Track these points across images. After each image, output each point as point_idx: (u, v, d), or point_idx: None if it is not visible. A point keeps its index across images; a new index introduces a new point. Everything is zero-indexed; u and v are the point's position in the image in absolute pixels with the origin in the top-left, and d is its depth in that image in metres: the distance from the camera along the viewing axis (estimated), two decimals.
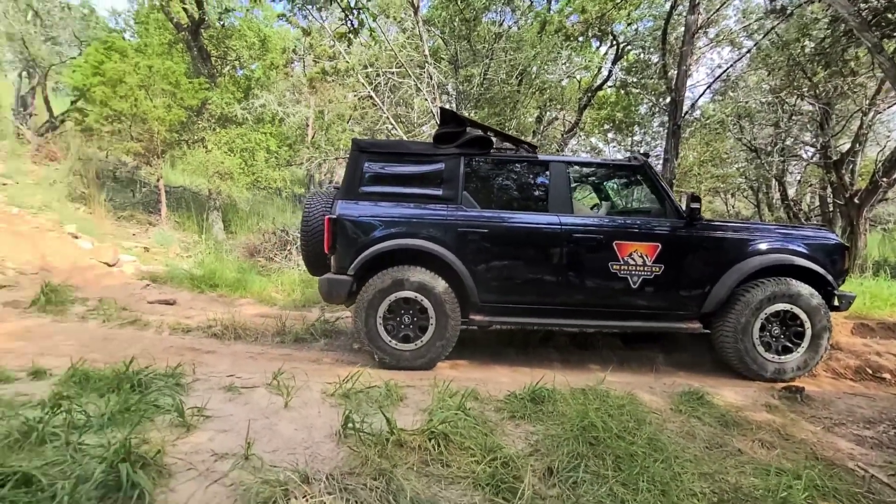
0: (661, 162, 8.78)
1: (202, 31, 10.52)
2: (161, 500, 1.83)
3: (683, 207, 3.93)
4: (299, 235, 4.82)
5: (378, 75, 7.17)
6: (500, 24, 8.52)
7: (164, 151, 10.59)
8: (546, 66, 8.50)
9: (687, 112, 8.66)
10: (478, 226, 3.87)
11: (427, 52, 6.91)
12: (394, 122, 7.33)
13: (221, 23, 10.72)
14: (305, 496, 1.83)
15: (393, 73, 7.13)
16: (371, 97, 7.42)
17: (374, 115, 9.37)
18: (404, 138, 7.33)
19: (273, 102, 11.30)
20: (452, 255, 3.80)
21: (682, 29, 7.79)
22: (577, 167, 4.83)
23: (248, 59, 11.15)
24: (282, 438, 2.42)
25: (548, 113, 11.11)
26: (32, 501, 1.56)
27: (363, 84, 7.09)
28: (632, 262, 3.84)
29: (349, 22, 4.47)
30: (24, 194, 9.27)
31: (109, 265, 7.55)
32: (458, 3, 7.33)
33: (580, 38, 9.33)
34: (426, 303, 3.79)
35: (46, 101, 12.98)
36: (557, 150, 11.21)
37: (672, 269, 3.87)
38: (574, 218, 3.94)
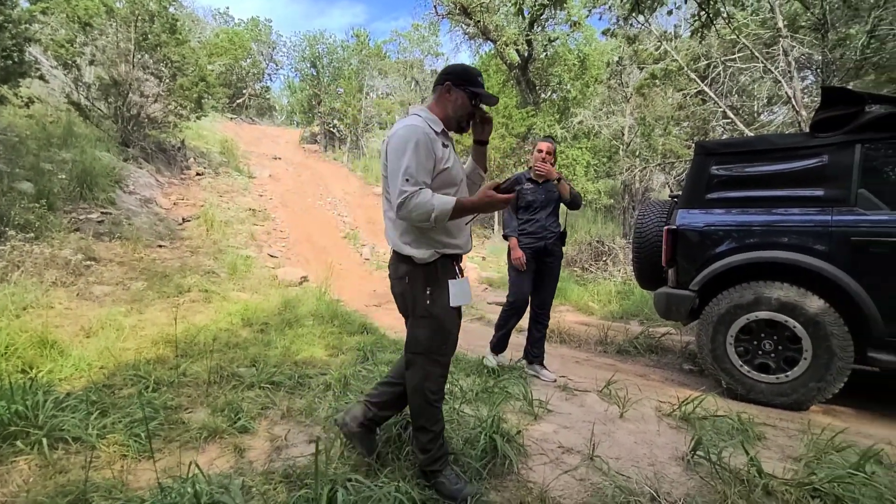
0: None
1: (529, 65, 11.87)
2: (523, 475, 2.08)
3: None
4: (631, 247, 4.70)
5: (713, 67, 6.32)
6: None
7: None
8: None
9: None
10: (888, 233, 2.87)
11: (781, 24, 5.66)
12: (731, 116, 6.32)
13: (546, 53, 11.83)
14: None
15: (734, 59, 6.14)
16: (701, 92, 6.61)
17: (701, 113, 8.40)
18: (746, 132, 6.23)
19: (589, 117, 11.67)
20: (842, 273, 2.95)
21: None
22: None
23: (568, 81, 11.89)
24: (622, 448, 2.39)
25: None
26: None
27: (694, 80, 6.39)
28: None
29: (703, 15, 4.09)
30: None
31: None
32: None
33: None
34: (800, 331, 3.06)
35: None
36: None
37: None
38: None
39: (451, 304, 1.77)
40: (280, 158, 14.77)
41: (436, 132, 1.76)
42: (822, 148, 3.12)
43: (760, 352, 3.24)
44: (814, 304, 3.03)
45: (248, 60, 22.86)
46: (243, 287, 5.96)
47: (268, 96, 25.75)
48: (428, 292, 1.76)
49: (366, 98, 17.75)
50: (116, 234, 6.02)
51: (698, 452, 2.20)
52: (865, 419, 3.09)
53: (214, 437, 2.29)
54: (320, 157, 16.63)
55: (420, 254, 1.75)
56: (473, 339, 5.05)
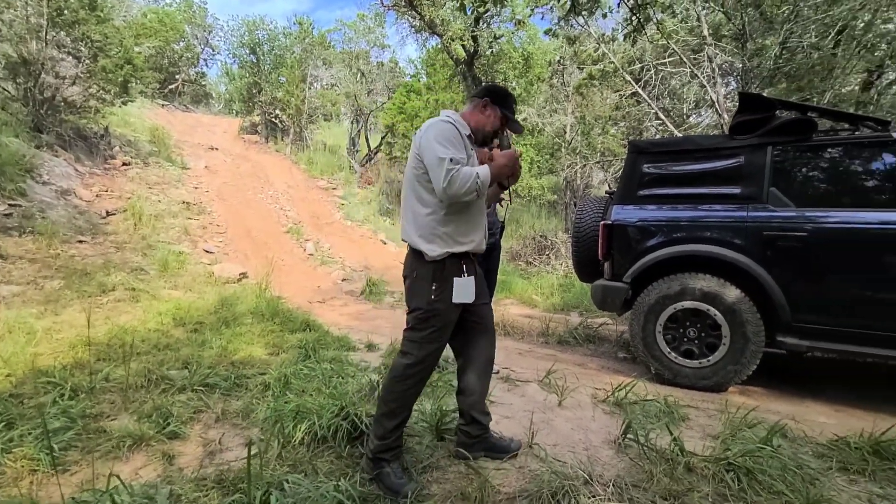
0: None
1: (475, 61, 11.95)
2: (465, 466, 2.11)
3: None
4: (570, 241, 4.85)
5: (646, 70, 6.67)
6: None
7: None
8: (885, 14, 6.38)
9: None
10: (793, 228, 3.14)
11: (706, 32, 6.07)
12: (663, 117, 6.71)
13: (491, 50, 11.96)
14: (594, 497, 1.82)
15: (664, 63, 6.51)
16: (636, 94, 6.95)
17: (636, 114, 8.84)
18: (676, 133, 6.63)
19: (533, 115, 11.94)
20: (755, 265, 3.20)
21: None
22: None
23: (513, 78, 12.08)
24: (559, 435, 2.49)
25: (884, 76, 8.36)
26: None
27: (629, 82, 6.71)
28: None
29: (635, 20, 4.28)
30: (353, 211, 12.33)
31: None
32: None
33: None
34: (720, 319, 3.30)
35: (366, 139, 16.97)
36: None
37: None
38: None
39: (453, 301, 1.88)
40: (217, 149, 14.02)
41: (463, 134, 1.91)
42: (739, 149, 3.37)
43: (686, 339, 3.47)
44: (731, 293, 3.27)
45: (182, 44, 21.45)
46: (175, 285, 5.63)
47: (203, 83, 24.30)
48: (433, 287, 1.87)
49: (309, 88, 17.18)
50: (28, 228, 5.49)
51: (629, 435, 2.33)
52: (774, 397, 3.39)
53: (140, 445, 2.15)
54: (261, 148, 15.93)
55: (431, 250, 1.86)
56: None
